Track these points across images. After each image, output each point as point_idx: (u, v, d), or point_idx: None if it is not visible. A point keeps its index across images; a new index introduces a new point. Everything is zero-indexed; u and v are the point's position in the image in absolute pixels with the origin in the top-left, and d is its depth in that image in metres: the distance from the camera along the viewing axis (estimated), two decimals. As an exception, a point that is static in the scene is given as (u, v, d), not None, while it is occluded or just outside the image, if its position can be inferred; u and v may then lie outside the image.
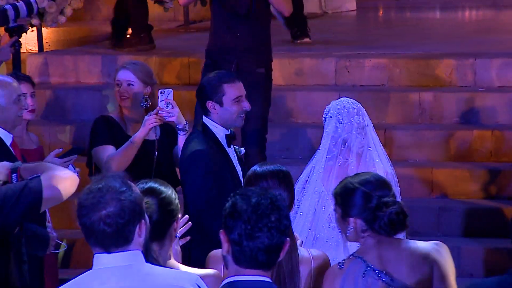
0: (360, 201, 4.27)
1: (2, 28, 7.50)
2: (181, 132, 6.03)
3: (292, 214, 4.95)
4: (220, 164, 5.62)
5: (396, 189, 5.15)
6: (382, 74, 8.33)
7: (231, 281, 3.50)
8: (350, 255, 4.38)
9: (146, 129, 5.92)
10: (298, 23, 9.48)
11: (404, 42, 9.53)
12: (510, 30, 10.33)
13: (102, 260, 3.48)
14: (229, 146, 5.73)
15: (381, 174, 4.91)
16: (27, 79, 6.43)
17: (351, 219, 4.22)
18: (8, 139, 5.45)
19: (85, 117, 8.24)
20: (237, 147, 5.90)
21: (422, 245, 4.25)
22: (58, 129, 7.82)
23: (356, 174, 4.48)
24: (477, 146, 7.75)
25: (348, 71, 8.29)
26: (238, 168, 5.85)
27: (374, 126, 5.59)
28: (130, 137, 6.01)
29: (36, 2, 7.31)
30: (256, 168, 4.65)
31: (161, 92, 6.04)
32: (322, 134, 5.61)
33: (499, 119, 7.86)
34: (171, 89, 6.07)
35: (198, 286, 3.60)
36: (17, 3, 7.23)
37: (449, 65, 8.25)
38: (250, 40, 7.27)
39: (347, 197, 4.28)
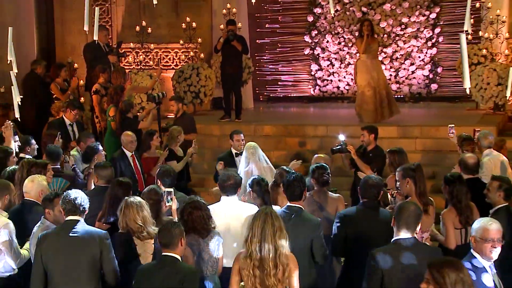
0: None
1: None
2: None
3: None
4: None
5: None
6: (276, 130, 12.41)
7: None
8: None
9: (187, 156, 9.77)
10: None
11: (293, 120, 13.32)
12: (330, 118, 14.00)
13: (227, 200, 6.37)
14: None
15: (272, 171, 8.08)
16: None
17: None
18: (129, 154, 9.12)
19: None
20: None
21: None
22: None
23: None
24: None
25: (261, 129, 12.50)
26: None
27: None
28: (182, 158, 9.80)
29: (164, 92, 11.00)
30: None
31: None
32: (244, 157, 8.37)
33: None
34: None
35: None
36: (159, 92, 11.10)
37: (318, 130, 12.19)
38: None
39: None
